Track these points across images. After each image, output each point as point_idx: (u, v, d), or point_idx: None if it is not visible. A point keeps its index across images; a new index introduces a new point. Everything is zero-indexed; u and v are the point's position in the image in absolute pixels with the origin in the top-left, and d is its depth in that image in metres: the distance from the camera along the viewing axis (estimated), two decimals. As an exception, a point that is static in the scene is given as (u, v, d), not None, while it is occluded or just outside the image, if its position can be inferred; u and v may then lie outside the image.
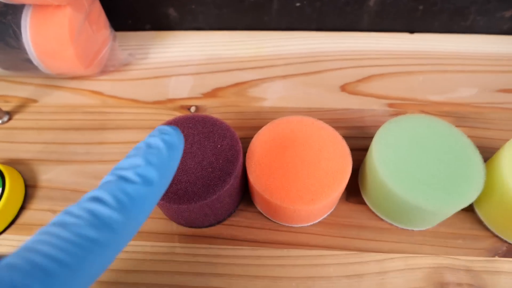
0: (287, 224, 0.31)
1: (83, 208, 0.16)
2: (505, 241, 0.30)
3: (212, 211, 0.29)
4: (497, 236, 0.30)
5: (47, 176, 0.35)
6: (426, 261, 0.29)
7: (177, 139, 0.19)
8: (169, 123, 0.30)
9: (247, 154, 0.29)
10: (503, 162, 0.28)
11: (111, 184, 0.16)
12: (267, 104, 0.38)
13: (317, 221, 0.31)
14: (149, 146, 0.18)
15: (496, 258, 0.30)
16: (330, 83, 0.40)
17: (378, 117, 0.37)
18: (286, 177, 0.28)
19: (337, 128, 0.36)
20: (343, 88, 0.39)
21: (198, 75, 0.41)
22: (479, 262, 0.29)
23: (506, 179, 0.27)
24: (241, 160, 0.28)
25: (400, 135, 0.29)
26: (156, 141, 0.18)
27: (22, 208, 0.33)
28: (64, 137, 0.37)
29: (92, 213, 0.15)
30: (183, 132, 0.29)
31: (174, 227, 0.31)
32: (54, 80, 0.42)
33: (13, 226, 0.32)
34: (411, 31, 0.44)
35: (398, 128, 0.30)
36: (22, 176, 0.35)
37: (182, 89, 0.40)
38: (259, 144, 0.30)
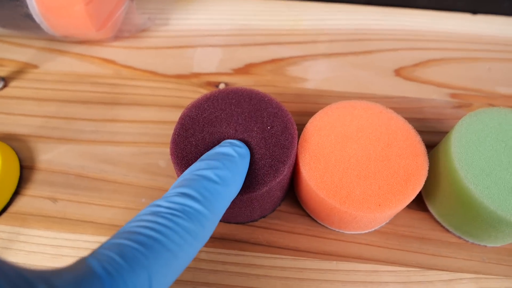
0: (337, 230, 0.26)
1: (173, 202, 0.17)
2: None
3: (260, 205, 0.24)
4: None
5: (47, 156, 0.29)
6: (503, 284, 0.25)
7: (246, 151, 0.21)
8: (207, 98, 0.24)
9: (299, 142, 0.24)
10: None
11: (193, 182, 0.18)
12: (309, 85, 0.33)
13: (373, 229, 0.26)
14: (224, 154, 0.20)
15: None
16: (382, 65, 0.34)
17: (440, 108, 0.32)
18: (347, 174, 0.23)
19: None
20: (398, 72, 0.34)
21: (228, 47, 0.35)
22: None
23: None
24: (296, 146, 0.23)
25: (484, 132, 0.24)
26: (230, 151, 0.20)
27: (16, 193, 0.28)
28: (68, 111, 0.32)
29: (184, 206, 0.17)
30: (225, 110, 0.24)
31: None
32: (58, 43, 0.36)
33: (5, 215, 0.27)
34: (474, 11, 0.38)
35: (480, 123, 0.24)
36: (17, 154, 0.29)
37: (209, 62, 0.34)
38: (314, 130, 0.25)
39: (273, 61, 0.34)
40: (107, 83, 0.33)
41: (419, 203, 0.27)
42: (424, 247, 0.26)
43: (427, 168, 0.23)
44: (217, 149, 0.20)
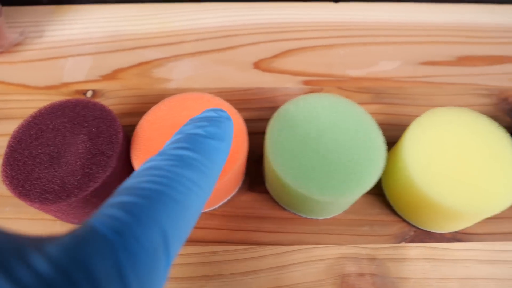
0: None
1: (168, 154, 0.16)
2: (413, 226, 0.29)
3: (101, 203, 0.26)
4: (405, 221, 0.29)
5: None
6: (329, 251, 0.27)
7: (227, 114, 0.20)
8: (33, 117, 0.26)
9: (132, 138, 0.26)
10: (406, 144, 0.26)
11: (184, 137, 0.17)
12: (172, 85, 0.35)
13: (211, 208, 0.29)
14: (206, 116, 0.19)
15: (403, 244, 0.28)
16: (243, 60, 0.36)
17: (292, 96, 0.34)
18: None
19: (248, 109, 0.33)
20: (257, 65, 0.36)
21: (99, 54, 0.37)
22: (384, 250, 0.28)
23: (408, 162, 0.25)
24: (122, 139, 0.25)
25: (297, 118, 0.27)
26: (211, 113, 0.19)
27: None
28: None
29: (179, 156, 0.16)
30: (51, 123, 0.26)
31: (57, 227, 0.28)
32: None
33: None
34: (336, 0, 0.40)
35: (296, 110, 0.27)
36: None
37: (79, 71, 0.36)
38: (146, 125, 0.27)
39: (140, 64, 0.36)
40: (-21, 100, 0.34)
41: (261, 185, 0.30)
42: (262, 225, 0.28)
43: (246, 150, 0.26)
44: (200, 115, 0.20)
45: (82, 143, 0.25)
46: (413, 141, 0.26)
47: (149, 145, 0.26)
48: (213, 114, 0.20)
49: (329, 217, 0.29)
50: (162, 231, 0.13)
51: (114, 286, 0.11)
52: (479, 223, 0.28)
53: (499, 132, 0.26)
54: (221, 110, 0.20)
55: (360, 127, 0.26)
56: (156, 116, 0.27)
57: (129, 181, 0.15)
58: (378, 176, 0.25)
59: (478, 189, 0.24)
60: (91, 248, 0.11)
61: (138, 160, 0.26)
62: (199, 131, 0.18)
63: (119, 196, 0.14)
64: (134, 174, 0.15)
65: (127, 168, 0.27)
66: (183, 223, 0.15)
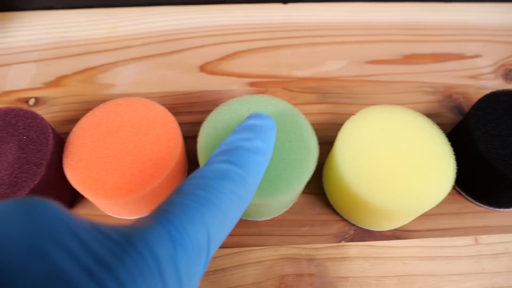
0: (122, 218, 0.28)
1: (218, 168, 0.18)
2: (353, 225, 0.29)
3: None
4: (345, 220, 0.29)
5: None
6: (268, 253, 0.27)
7: (272, 122, 0.22)
8: None
9: (65, 145, 0.26)
10: (338, 142, 0.26)
11: (232, 151, 0.19)
12: (116, 91, 0.34)
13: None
14: (254, 124, 0.21)
15: (343, 243, 0.28)
16: (188, 63, 0.36)
17: (237, 98, 0.34)
18: (105, 167, 0.25)
19: (193, 113, 0.33)
20: (203, 68, 0.36)
21: (43, 61, 0.36)
22: (324, 249, 0.28)
23: (339, 161, 0.25)
24: (52, 147, 0.25)
25: (229, 120, 0.27)
26: (259, 122, 0.21)
27: None
28: None
29: (227, 171, 0.18)
30: None
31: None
32: None
33: None
34: (285, 0, 0.40)
35: (228, 112, 0.27)
36: None
37: (22, 79, 0.35)
38: (79, 132, 0.26)
39: (84, 70, 0.36)
40: None
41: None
42: (202, 229, 0.28)
43: (179, 151, 0.26)
44: (247, 122, 0.22)
45: (12, 152, 0.25)
46: (344, 140, 0.26)
47: (82, 152, 0.26)
48: (259, 122, 0.21)
49: (269, 218, 0.29)
50: (208, 233, 0.16)
51: (170, 271, 0.14)
52: (418, 220, 0.29)
53: (432, 129, 0.27)
54: (266, 117, 0.22)
55: (294, 128, 0.26)
56: (90, 123, 0.27)
57: (184, 187, 0.17)
58: (308, 177, 0.25)
59: (407, 187, 0.24)
60: (158, 238, 0.14)
61: (70, 168, 0.25)
62: (246, 144, 0.19)
63: (177, 197, 0.16)
64: (186, 180, 0.18)
65: (61, 176, 0.26)
66: (223, 228, 0.17)
